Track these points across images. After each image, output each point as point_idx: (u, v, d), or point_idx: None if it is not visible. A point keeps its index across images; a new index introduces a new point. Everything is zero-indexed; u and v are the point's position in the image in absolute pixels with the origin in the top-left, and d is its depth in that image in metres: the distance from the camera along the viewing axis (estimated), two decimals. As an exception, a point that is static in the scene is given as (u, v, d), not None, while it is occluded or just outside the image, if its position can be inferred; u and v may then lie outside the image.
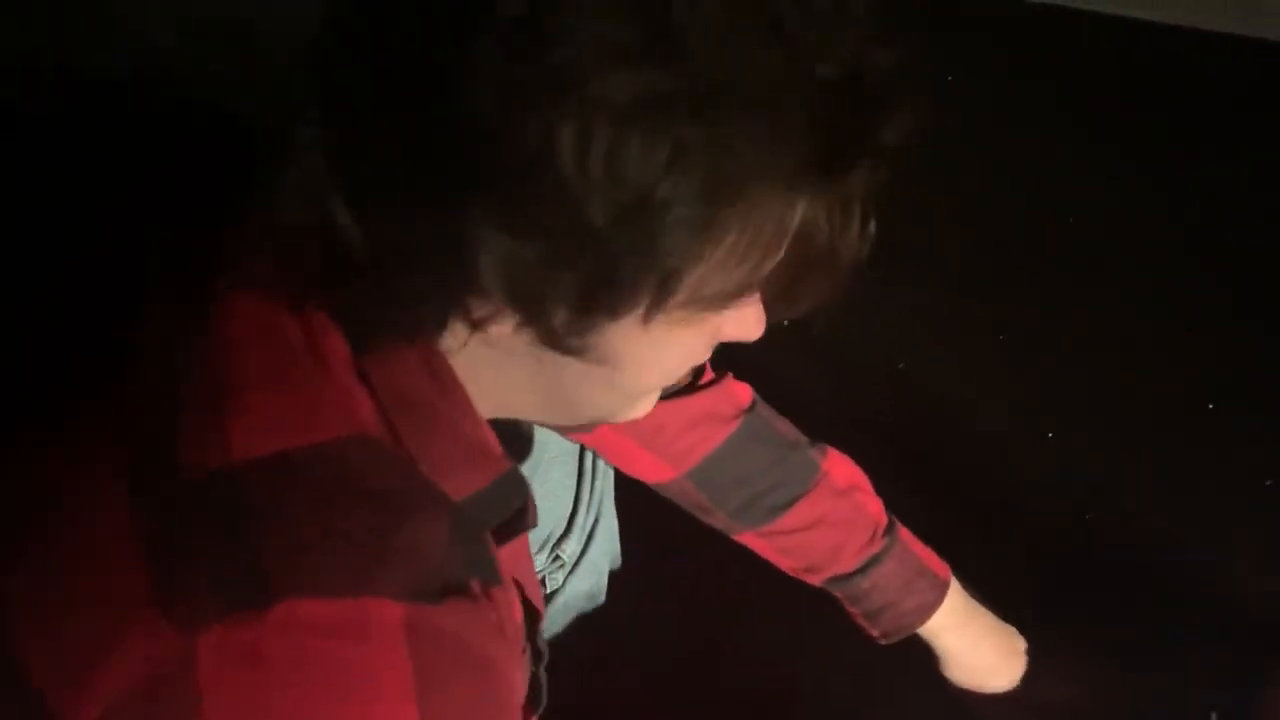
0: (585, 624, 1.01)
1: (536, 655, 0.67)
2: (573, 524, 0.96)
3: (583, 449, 0.95)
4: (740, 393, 0.90)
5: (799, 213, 0.50)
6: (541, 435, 0.90)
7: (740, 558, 0.93)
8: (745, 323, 0.57)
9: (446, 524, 0.51)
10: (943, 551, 0.93)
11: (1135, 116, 1.29)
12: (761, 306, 0.58)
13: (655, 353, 0.54)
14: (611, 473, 0.98)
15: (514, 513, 0.59)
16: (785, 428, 0.91)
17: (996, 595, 0.97)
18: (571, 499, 0.95)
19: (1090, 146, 1.30)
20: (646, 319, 0.50)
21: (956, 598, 0.92)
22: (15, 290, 0.65)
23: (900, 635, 0.91)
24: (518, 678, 0.58)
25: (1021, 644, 0.96)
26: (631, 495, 0.97)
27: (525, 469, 0.82)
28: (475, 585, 0.51)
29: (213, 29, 0.96)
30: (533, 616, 0.66)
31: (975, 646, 0.93)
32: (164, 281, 0.56)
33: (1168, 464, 1.15)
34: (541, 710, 0.71)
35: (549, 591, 0.98)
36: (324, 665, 0.45)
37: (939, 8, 1.20)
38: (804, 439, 0.91)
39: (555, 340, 0.51)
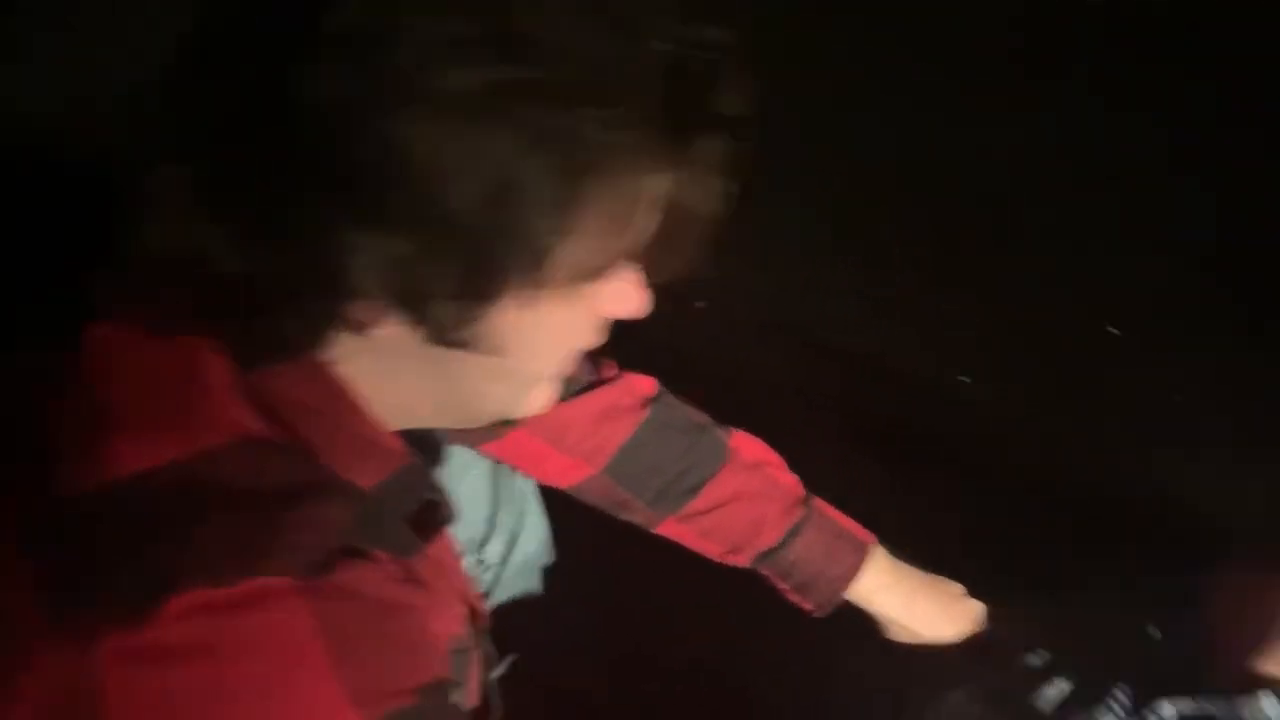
0: (522, 622, 1.02)
1: (487, 661, 0.68)
2: (494, 526, 0.96)
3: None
4: (643, 384, 0.91)
5: (657, 184, 0.52)
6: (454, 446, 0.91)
7: (674, 550, 0.94)
8: (626, 297, 0.59)
9: (347, 508, 0.52)
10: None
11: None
12: (642, 281, 0.59)
13: (541, 335, 0.55)
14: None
15: (426, 505, 0.60)
16: (692, 412, 0.92)
17: (926, 532, 1.00)
18: (489, 502, 0.95)
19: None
20: (525, 300, 0.51)
21: (882, 558, 0.93)
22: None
23: (833, 602, 0.92)
24: (439, 624, 0.59)
25: (958, 589, 0.97)
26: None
27: (439, 475, 0.83)
28: (380, 555, 0.53)
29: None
30: (478, 620, 0.66)
31: (911, 602, 0.94)
32: (34, 319, 0.56)
33: (1082, 388, 1.19)
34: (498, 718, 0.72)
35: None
36: (228, 637, 0.46)
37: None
38: (710, 421, 0.92)
39: (442, 334, 0.52)
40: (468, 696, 0.65)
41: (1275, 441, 1.09)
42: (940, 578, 0.96)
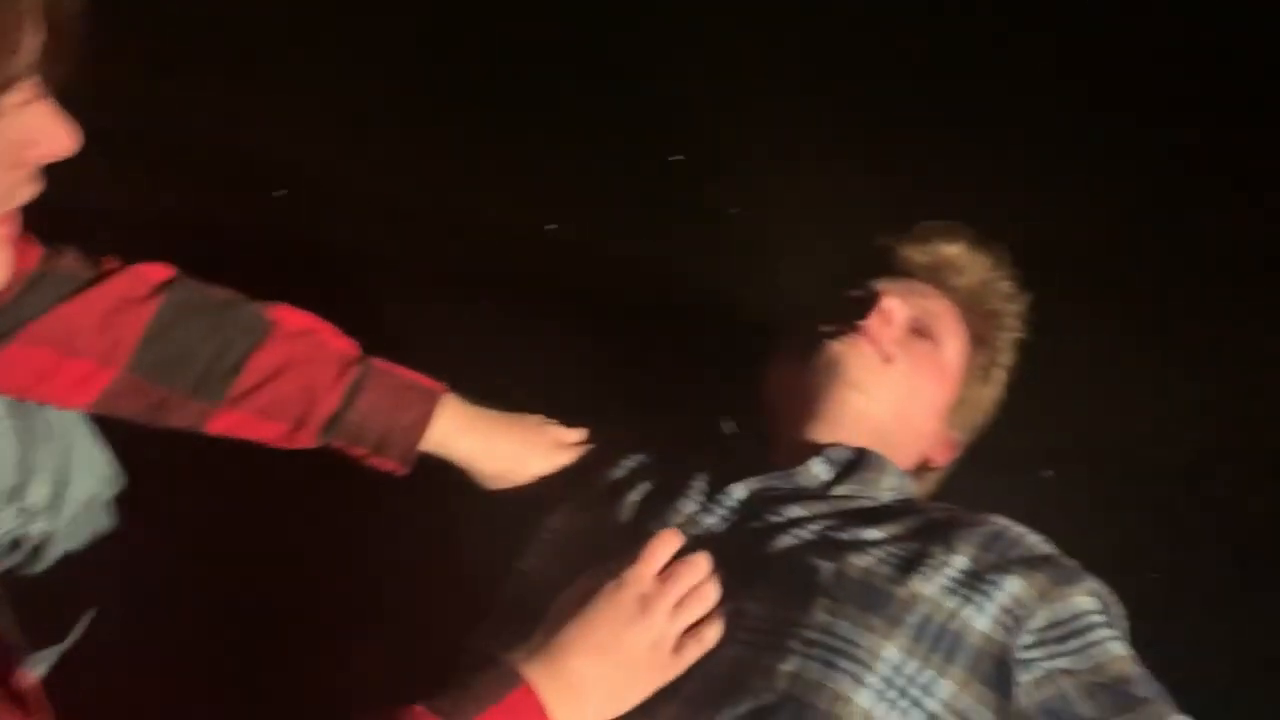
0: (99, 558, 0.93)
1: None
2: (32, 469, 0.86)
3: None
4: (154, 271, 0.84)
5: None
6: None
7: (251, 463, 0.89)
8: (46, 130, 0.55)
9: None
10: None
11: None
12: (61, 114, 0.56)
13: None
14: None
15: None
16: (217, 290, 0.86)
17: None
18: (15, 445, 0.85)
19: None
20: None
21: (455, 403, 0.91)
22: None
23: (414, 452, 0.90)
24: None
25: (537, 419, 0.97)
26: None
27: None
28: None
29: None
30: None
31: (491, 441, 0.93)
32: None
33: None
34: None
35: (37, 544, 0.89)
36: None
37: None
38: (242, 296, 0.86)
39: None
40: None
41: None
42: (520, 414, 0.96)
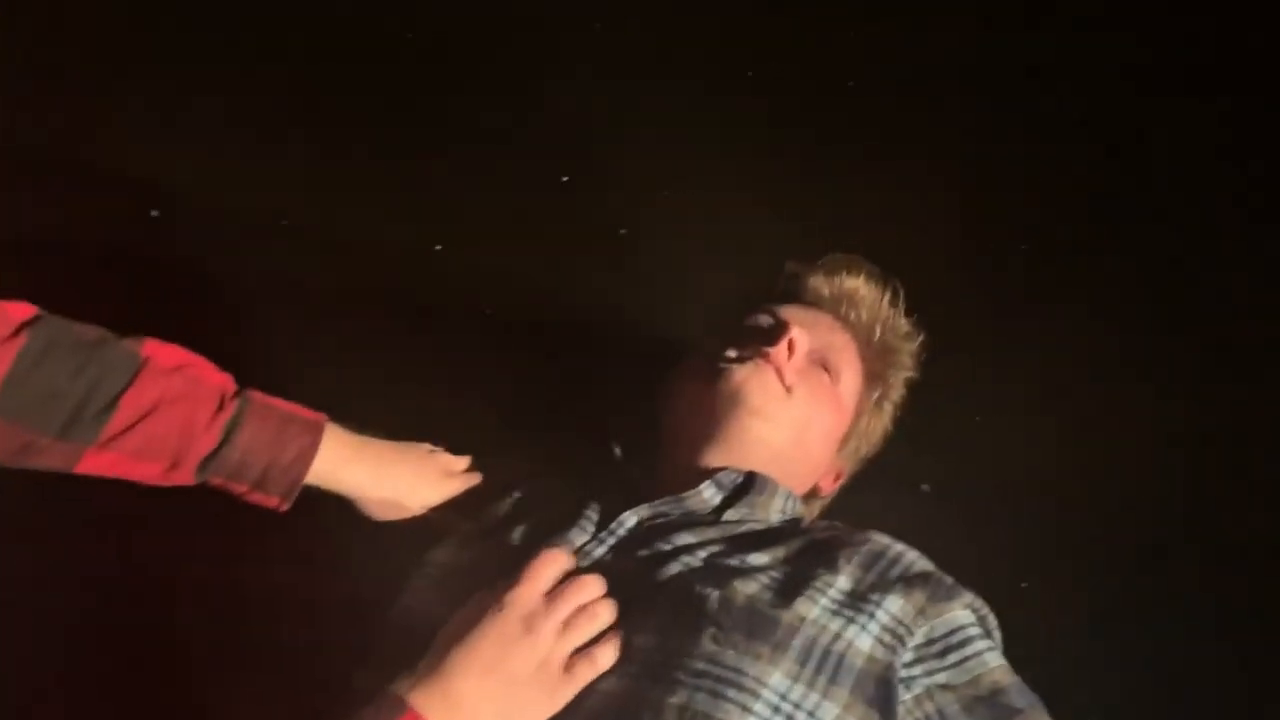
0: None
1: None
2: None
3: None
4: (16, 310, 0.80)
5: None
6: None
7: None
8: None
9: None
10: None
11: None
12: None
13: None
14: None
15: None
16: (85, 329, 0.83)
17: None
18: None
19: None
20: None
21: (339, 435, 0.90)
22: None
23: (296, 488, 0.88)
24: None
25: (426, 448, 0.96)
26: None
27: None
28: None
29: None
30: None
31: (378, 471, 0.91)
32: None
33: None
34: None
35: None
36: None
37: None
38: (111, 334, 0.83)
39: None
40: None
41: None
42: (409, 443, 0.95)
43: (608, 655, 0.75)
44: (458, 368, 1.14)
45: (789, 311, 0.98)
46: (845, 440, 0.99)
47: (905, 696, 0.77)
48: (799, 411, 0.92)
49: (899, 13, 1.36)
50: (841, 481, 1.02)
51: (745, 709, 0.72)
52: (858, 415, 0.99)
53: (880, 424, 1.02)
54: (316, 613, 0.96)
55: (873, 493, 1.09)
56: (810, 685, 0.74)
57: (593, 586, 0.77)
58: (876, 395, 1.01)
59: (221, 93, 1.30)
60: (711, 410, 0.91)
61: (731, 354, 0.93)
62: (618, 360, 1.09)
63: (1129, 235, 1.23)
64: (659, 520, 0.87)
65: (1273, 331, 1.16)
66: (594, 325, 1.17)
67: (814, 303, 1.01)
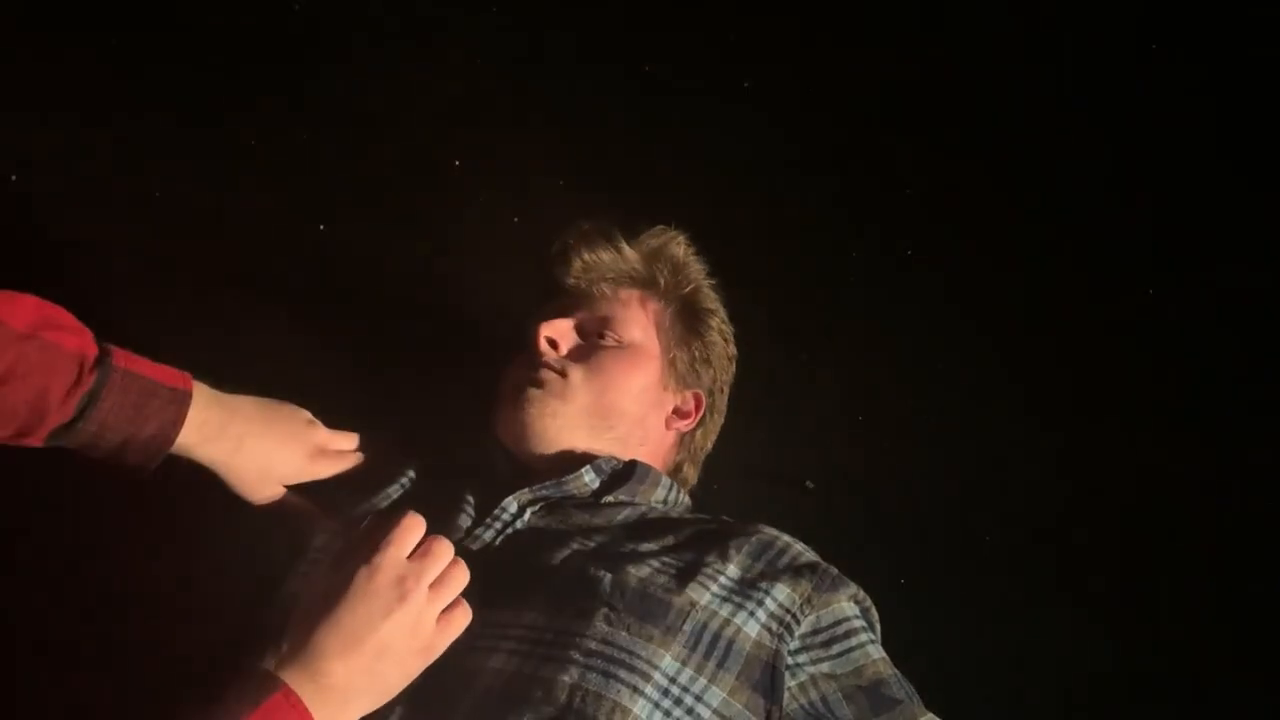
0: None
1: None
2: None
3: None
4: None
5: None
6: None
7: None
8: None
9: None
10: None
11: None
12: None
13: None
14: None
15: None
16: None
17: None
18: None
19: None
20: None
21: (207, 401, 0.84)
22: None
23: (155, 461, 0.83)
24: None
25: (304, 416, 0.91)
26: None
27: None
28: None
29: None
30: None
31: (241, 447, 0.86)
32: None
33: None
34: None
35: None
36: None
37: None
38: None
39: None
40: None
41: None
42: (284, 405, 0.90)
43: (464, 617, 0.73)
44: (338, 350, 1.10)
45: (547, 307, 0.98)
46: (671, 367, 0.97)
47: (791, 683, 0.78)
48: (582, 388, 0.92)
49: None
50: (706, 406, 1.00)
51: (635, 690, 0.72)
52: (668, 347, 0.98)
53: (708, 339, 1.01)
54: (192, 596, 0.90)
55: (758, 489, 1.09)
56: (699, 669, 0.75)
57: (447, 548, 0.74)
58: (684, 317, 1.00)
59: (87, 62, 1.22)
60: (510, 420, 0.92)
61: (507, 368, 0.95)
62: (490, 346, 1.06)
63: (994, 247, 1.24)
64: (541, 504, 0.86)
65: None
66: (481, 311, 1.14)
67: (577, 279, 0.98)
